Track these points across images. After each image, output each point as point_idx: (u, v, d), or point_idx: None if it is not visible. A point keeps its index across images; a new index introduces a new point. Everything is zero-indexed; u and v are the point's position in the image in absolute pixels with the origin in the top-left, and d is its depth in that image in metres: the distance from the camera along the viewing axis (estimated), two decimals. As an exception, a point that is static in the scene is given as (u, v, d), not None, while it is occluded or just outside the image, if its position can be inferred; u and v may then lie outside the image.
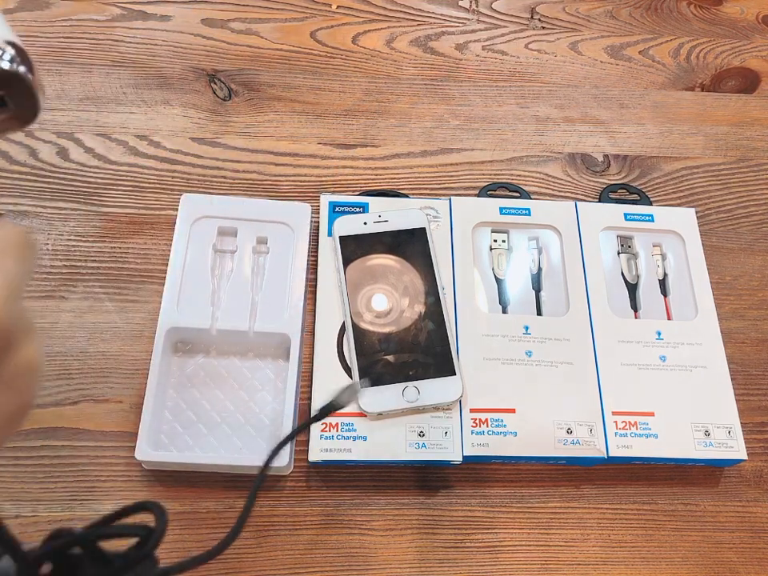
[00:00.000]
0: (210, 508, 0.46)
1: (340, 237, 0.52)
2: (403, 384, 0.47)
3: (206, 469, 0.46)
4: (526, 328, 0.50)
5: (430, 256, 0.52)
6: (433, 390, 0.47)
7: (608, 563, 0.47)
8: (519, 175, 0.61)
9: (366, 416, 0.46)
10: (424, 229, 0.53)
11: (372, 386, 0.47)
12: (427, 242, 0.52)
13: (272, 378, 0.49)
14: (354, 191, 0.58)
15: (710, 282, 0.54)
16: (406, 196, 0.57)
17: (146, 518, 0.25)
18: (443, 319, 0.49)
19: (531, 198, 0.58)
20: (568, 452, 0.47)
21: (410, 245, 0.52)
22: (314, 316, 0.50)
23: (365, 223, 0.52)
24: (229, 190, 0.57)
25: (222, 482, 0.46)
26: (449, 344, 0.49)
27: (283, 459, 0.44)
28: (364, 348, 0.48)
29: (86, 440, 0.47)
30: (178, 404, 0.48)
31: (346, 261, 0.51)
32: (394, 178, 0.60)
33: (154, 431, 0.45)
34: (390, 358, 0.48)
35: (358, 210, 0.54)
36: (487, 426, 0.47)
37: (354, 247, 0.52)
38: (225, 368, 0.49)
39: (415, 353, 0.48)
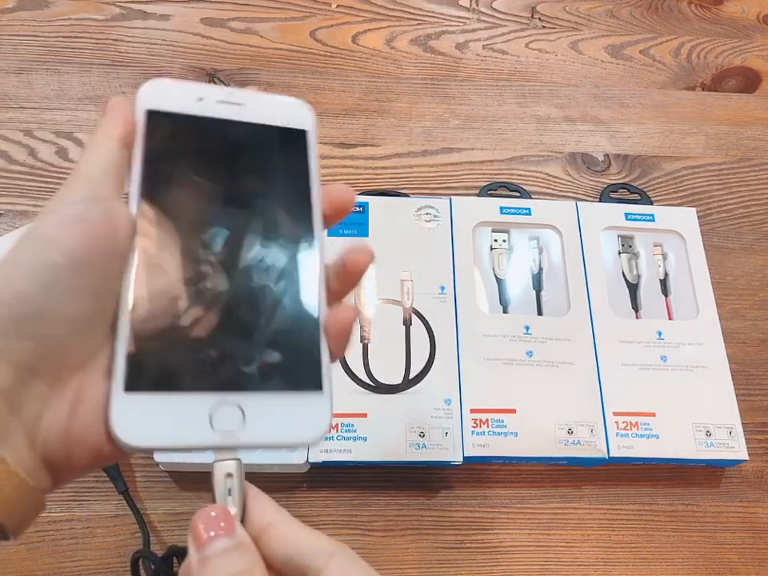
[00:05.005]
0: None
1: (149, 111, 0.26)
2: (213, 395, 0.23)
3: None
4: (527, 328, 0.50)
5: (308, 175, 0.30)
6: (272, 415, 0.24)
7: (608, 564, 0.46)
8: (520, 175, 0.61)
9: (364, 416, 0.46)
10: (304, 132, 0.29)
11: (144, 390, 0.23)
12: (306, 154, 0.30)
13: None
14: (353, 191, 0.58)
15: (711, 282, 0.54)
16: (406, 195, 0.57)
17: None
18: (316, 289, 0.26)
19: (531, 198, 0.58)
20: (569, 452, 0.46)
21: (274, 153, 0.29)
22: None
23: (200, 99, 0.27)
24: (228, 189, 0.57)
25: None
26: (317, 336, 0.26)
27: (301, 457, 0.44)
28: (145, 321, 0.23)
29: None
30: None
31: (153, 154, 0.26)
32: (394, 178, 0.59)
33: None
34: (195, 345, 0.24)
35: (358, 209, 0.53)
36: (488, 427, 0.47)
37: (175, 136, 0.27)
38: None
39: (252, 341, 0.25)
